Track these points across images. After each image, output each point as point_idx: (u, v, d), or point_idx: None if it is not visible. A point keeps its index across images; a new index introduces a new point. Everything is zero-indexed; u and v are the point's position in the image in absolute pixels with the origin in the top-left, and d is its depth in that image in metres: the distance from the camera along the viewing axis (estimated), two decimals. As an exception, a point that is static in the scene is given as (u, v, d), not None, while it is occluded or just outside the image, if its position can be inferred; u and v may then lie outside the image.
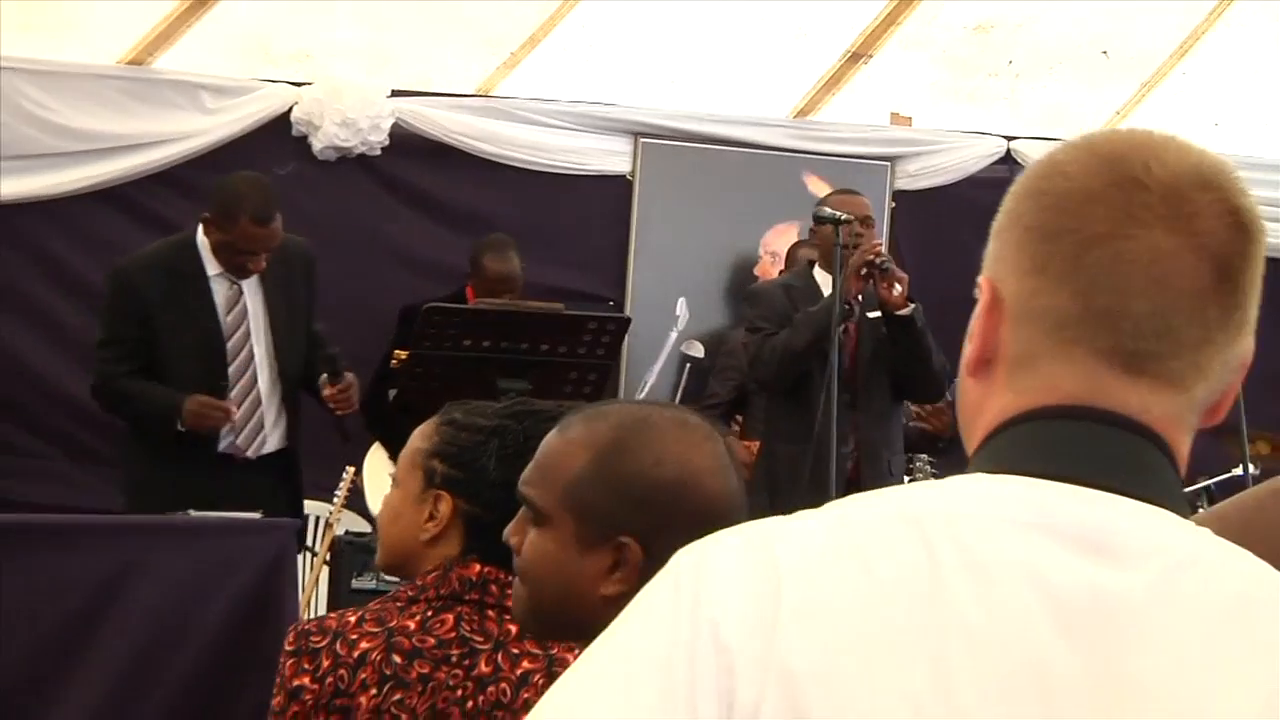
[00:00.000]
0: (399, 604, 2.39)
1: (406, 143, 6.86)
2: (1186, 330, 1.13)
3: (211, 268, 5.26)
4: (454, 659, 2.33)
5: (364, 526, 5.90)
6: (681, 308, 7.29)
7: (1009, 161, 7.45)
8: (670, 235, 7.30)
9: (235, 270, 5.25)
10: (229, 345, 5.30)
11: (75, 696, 4.32)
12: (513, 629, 2.34)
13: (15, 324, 6.45)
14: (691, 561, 1.12)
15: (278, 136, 6.66)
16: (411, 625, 2.35)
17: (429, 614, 2.36)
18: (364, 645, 2.31)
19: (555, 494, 1.91)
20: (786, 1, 7.09)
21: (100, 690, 4.35)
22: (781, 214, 7.34)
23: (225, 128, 6.57)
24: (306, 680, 2.29)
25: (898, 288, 5.45)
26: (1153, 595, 1.08)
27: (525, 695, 2.30)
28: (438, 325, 5.21)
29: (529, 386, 5.02)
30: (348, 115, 6.66)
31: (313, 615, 5.06)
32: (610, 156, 7.22)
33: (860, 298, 5.54)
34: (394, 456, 5.86)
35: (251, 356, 5.34)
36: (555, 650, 2.34)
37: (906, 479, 5.58)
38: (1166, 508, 1.12)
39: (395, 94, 6.80)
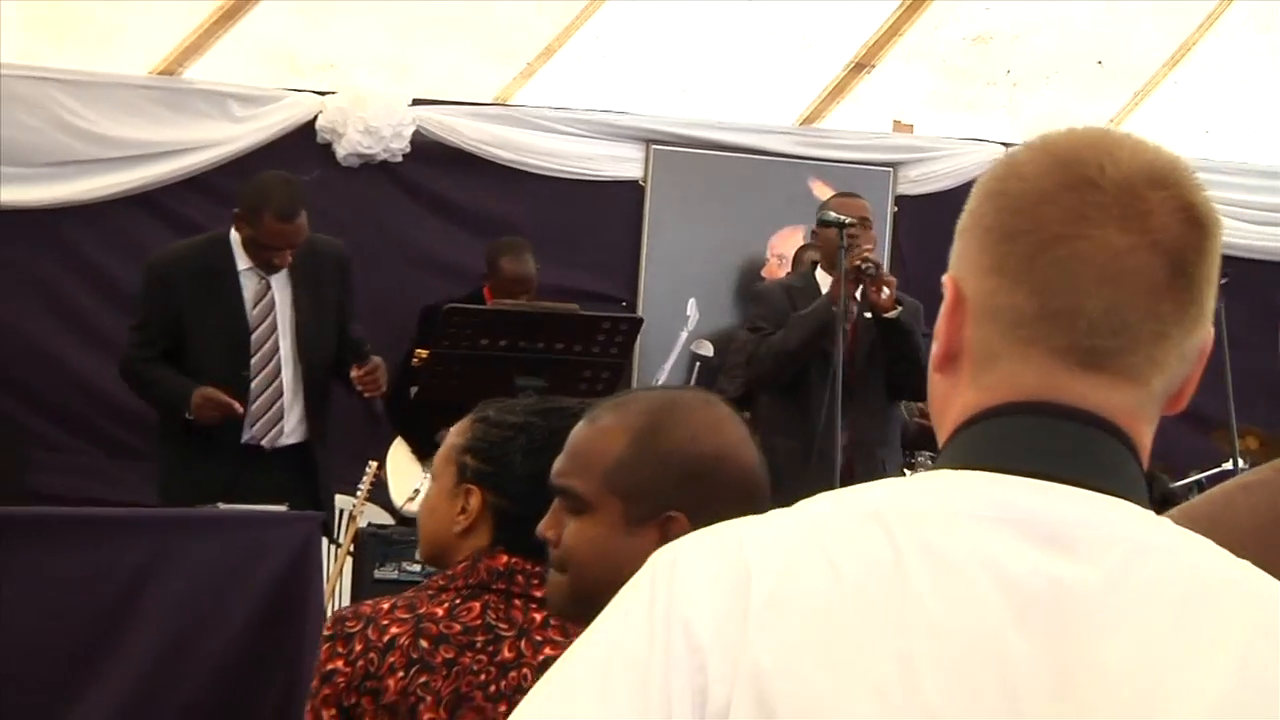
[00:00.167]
0: (429, 592, 2.41)
1: (427, 150, 6.90)
2: (1142, 326, 1.14)
3: (242, 263, 5.33)
4: (478, 645, 2.35)
5: (387, 519, 5.96)
6: (692, 308, 7.32)
7: (1007, 167, 7.58)
8: (681, 238, 7.33)
9: (263, 265, 5.31)
10: (254, 337, 5.33)
11: (106, 684, 4.38)
12: (537, 617, 2.38)
13: (53, 324, 6.50)
14: (666, 561, 1.12)
15: (303, 144, 6.71)
16: (439, 612, 2.37)
17: (457, 602, 2.38)
18: (394, 630, 2.34)
19: (596, 480, 1.95)
20: (793, 13, 7.13)
21: (131, 678, 4.41)
22: (788, 218, 7.38)
23: (253, 135, 6.63)
24: (340, 664, 2.33)
25: (886, 291, 5.49)
26: (1111, 584, 1.08)
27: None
28: (457, 325, 5.25)
29: (545, 384, 5.08)
30: (370, 123, 6.70)
31: (337, 605, 5.11)
32: (623, 163, 7.28)
33: (859, 298, 5.59)
34: (416, 451, 6.11)
35: (276, 349, 5.37)
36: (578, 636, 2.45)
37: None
38: (1126, 498, 1.13)
39: (416, 103, 6.84)
